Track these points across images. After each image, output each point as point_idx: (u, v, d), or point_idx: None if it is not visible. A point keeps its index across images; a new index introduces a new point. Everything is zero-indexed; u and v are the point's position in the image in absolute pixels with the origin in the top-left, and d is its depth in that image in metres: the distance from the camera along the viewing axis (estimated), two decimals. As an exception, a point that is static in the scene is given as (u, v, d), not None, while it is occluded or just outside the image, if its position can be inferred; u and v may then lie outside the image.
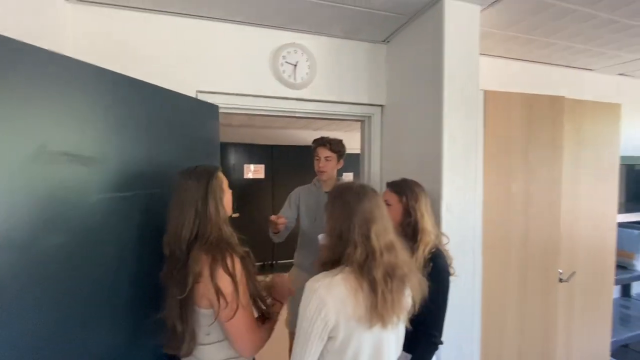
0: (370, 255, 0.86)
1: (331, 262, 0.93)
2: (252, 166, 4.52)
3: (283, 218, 1.75)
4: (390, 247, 0.89)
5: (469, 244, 1.58)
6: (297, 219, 2.05)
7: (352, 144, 2.53)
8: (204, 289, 0.94)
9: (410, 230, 1.27)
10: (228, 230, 1.04)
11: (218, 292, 0.92)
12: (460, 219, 1.55)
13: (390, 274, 0.87)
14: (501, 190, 1.66)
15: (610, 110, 1.91)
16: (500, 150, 1.65)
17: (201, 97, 1.69)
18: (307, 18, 1.69)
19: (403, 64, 1.82)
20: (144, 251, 1.19)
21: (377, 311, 0.83)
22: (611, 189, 1.95)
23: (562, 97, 1.74)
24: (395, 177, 1.47)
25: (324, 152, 1.90)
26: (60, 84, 0.94)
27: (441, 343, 1.24)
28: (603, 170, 1.93)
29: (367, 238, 0.87)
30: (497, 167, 1.65)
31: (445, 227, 1.50)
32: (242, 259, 0.99)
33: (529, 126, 1.69)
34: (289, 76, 1.79)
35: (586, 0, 1.49)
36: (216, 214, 1.02)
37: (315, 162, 1.94)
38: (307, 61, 1.82)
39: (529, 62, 2.29)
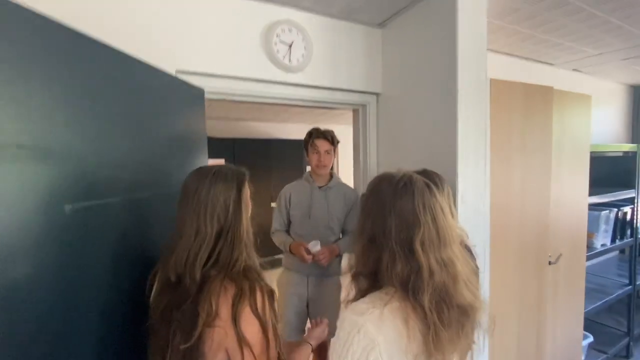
0: (414, 272, 0.64)
1: (367, 274, 0.71)
2: (211, 161, 4.12)
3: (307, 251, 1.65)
4: (446, 264, 0.66)
5: (480, 234, 1.56)
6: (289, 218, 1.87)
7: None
8: (221, 336, 0.70)
9: None
10: (254, 257, 0.81)
11: (242, 342, 0.69)
12: (473, 208, 1.52)
13: (447, 301, 0.64)
14: (503, 177, 1.68)
15: (583, 101, 2.05)
16: (502, 139, 1.65)
17: (181, 78, 1.40)
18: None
19: (404, 49, 1.72)
20: (140, 280, 0.91)
21: (432, 347, 0.63)
22: (583, 174, 2.11)
23: (551, 87, 1.80)
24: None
25: (324, 145, 1.73)
26: (13, 44, 0.64)
27: (473, 342, 1.19)
28: (578, 156, 2.07)
29: (409, 249, 0.65)
30: (500, 155, 1.65)
31: (460, 218, 1.45)
32: (271, 296, 0.77)
33: (526, 116, 1.73)
34: (284, 57, 1.58)
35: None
36: (247, 233, 0.80)
37: (313, 156, 1.76)
38: (302, 41, 1.62)
39: (502, 54, 2.36)
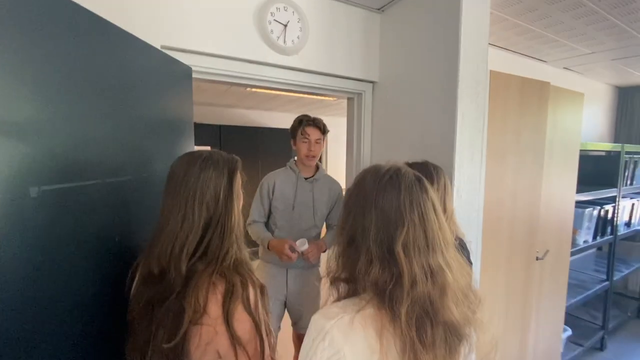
0: (393, 279, 0.55)
1: (345, 279, 0.62)
2: (197, 148, 3.98)
3: (293, 251, 1.57)
4: (433, 273, 0.56)
5: (473, 229, 1.54)
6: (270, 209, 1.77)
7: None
8: (210, 335, 0.64)
9: None
10: (245, 249, 0.76)
11: (235, 342, 0.64)
12: (468, 203, 1.49)
13: (431, 315, 0.55)
14: (497, 173, 1.66)
15: (576, 99, 2.06)
16: (497, 134, 1.63)
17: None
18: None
19: (403, 36, 1.66)
20: (118, 273, 0.83)
21: None
22: (573, 172, 2.13)
23: (548, 83, 1.79)
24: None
25: (315, 134, 1.65)
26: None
27: None
28: (568, 154, 2.08)
29: (389, 251, 0.56)
30: (494, 150, 1.62)
31: (455, 213, 1.43)
32: (263, 292, 0.72)
33: (521, 110, 1.71)
34: (278, 38, 1.49)
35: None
36: (238, 224, 0.74)
37: (302, 145, 1.67)
38: (298, 22, 1.53)
39: (496, 47, 2.33)
